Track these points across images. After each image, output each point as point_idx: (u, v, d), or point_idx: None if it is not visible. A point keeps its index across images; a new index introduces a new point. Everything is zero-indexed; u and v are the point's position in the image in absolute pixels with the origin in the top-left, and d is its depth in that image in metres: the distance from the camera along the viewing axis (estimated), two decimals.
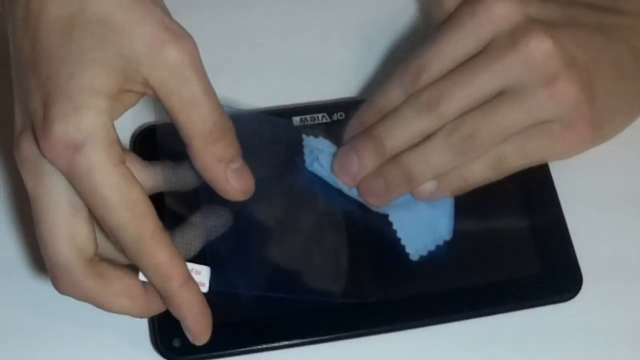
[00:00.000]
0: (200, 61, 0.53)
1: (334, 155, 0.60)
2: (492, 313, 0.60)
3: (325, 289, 0.59)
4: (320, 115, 0.64)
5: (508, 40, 0.57)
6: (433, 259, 0.61)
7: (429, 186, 0.59)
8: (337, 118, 0.64)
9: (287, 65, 0.67)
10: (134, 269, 0.54)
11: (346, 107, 0.64)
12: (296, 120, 0.64)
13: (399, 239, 0.60)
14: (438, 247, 0.60)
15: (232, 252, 0.58)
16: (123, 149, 0.53)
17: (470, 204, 0.62)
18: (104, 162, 0.51)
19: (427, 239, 0.60)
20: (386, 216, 0.61)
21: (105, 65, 0.51)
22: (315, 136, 0.61)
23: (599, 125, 0.58)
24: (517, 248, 0.61)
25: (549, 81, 0.56)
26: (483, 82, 0.57)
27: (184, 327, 0.55)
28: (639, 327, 0.60)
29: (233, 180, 0.54)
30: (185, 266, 0.54)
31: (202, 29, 0.67)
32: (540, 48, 0.56)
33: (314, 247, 0.60)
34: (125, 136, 0.64)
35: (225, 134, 0.53)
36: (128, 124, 0.64)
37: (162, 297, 0.54)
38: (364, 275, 0.60)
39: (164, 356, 0.58)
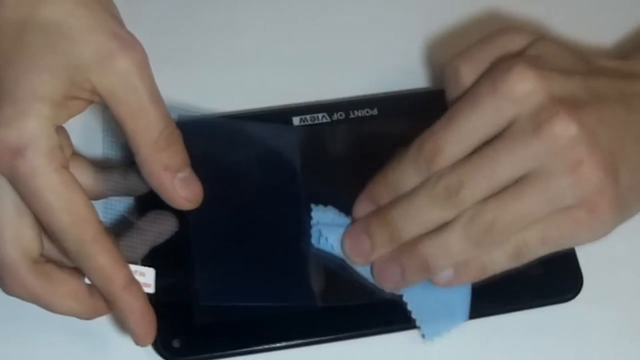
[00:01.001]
0: (149, 70, 0.53)
1: (344, 233, 0.59)
2: (493, 313, 0.60)
3: (316, 299, 0.59)
4: (320, 115, 0.64)
5: (531, 124, 0.53)
6: None
7: (446, 274, 0.57)
8: (337, 118, 0.64)
9: (287, 64, 0.67)
10: (80, 271, 0.55)
11: (346, 107, 0.64)
12: (296, 120, 0.64)
13: (414, 319, 0.58)
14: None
15: (220, 266, 0.58)
16: (73, 153, 0.54)
17: None
18: (45, 166, 0.52)
19: (443, 321, 0.58)
20: (400, 296, 0.59)
21: (52, 71, 0.52)
22: (325, 205, 0.60)
23: (624, 206, 0.55)
24: None
25: (572, 167, 0.53)
26: (505, 170, 0.54)
27: (126, 330, 0.56)
28: (638, 327, 0.60)
29: (180, 189, 0.55)
30: (128, 269, 0.55)
31: (202, 28, 0.68)
32: (565, 134, 0.53)
33: (304, 262, 0.60)
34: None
35: (172, 142, 0.54)
36: None
37: (105, 299, 0.55)
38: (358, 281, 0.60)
39: (163, 357, 0.58)
